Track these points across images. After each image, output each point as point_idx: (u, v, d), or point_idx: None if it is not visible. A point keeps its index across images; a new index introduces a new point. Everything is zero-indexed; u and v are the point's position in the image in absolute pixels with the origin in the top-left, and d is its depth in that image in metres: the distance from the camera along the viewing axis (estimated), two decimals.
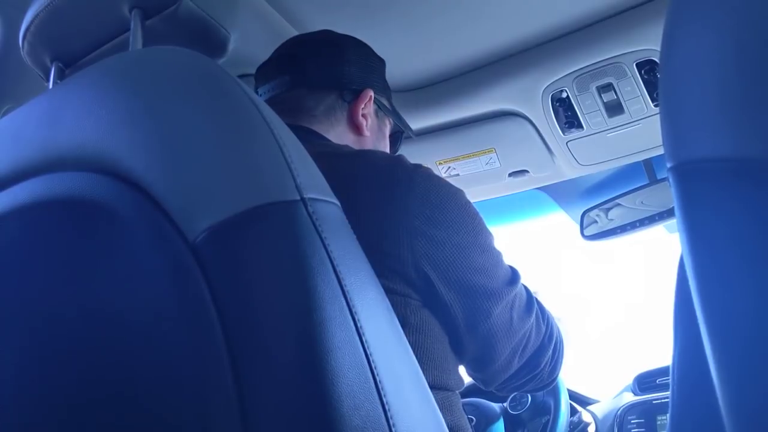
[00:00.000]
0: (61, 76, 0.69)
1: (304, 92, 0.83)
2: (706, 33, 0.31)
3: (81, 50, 0.68)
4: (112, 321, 0.41)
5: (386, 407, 0.37)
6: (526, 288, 0.77)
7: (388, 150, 0.92)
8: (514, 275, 0.74)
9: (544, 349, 0.77)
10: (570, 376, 1.44)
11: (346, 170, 0.65)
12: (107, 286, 0.41)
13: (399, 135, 0.96)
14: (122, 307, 0.40)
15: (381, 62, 0.91)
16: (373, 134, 0.87)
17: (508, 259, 0.75)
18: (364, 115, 0.85)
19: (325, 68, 0.84)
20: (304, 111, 0.83)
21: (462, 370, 0.75)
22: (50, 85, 0.69)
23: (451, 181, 1.36)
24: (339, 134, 0.83)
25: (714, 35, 0.31)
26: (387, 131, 0.91)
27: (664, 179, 1.32)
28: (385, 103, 0.90)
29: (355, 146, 0.84)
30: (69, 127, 0.47)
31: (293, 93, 0.83)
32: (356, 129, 0.85)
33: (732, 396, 0.30)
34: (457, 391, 0.70)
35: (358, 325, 0.38)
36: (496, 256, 0.72)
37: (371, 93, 0.85)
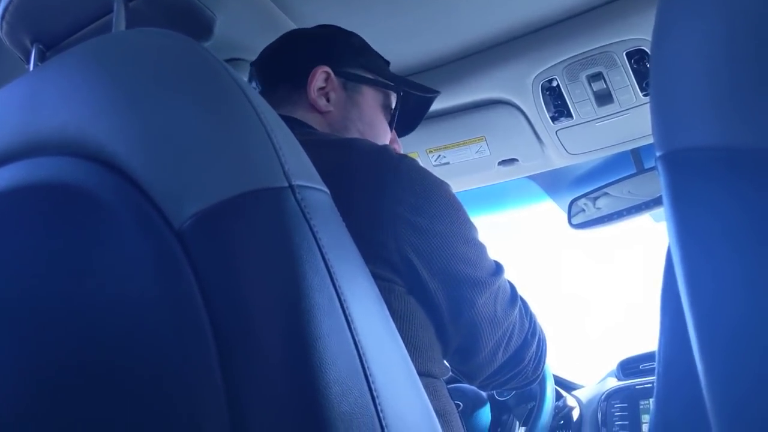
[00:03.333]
0: (41, 58, 0.68)
1: (261, 93, 0.85)
2: (697, 22, 0.31)
3: (62, 32, 0.66)
4: (95, 308, 0.40)
5: (374, 393, 0.37)
6: (509, 282, 0.78)
7: (372, 117, 0.89)
8: (498, 267, 0.74)
9: (528, 345, 0.77)
10: (555, 363, 1.45)
11: (330, 158, 0.65)
12: (90, 272, 0.41)
13: (396, 100, 0.92)
14: (106, 294, 0.39)
15: (340, 34, 0.90)
16: (339, 108, 0.86)
17: (493, 254, 0.75)
18: (326, 93, 0.85)
19: (273, 64, 0.89)
20: None
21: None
22: (31, 68, 0.68)
23: (441, 169, 1.37)
24: (305, 117, 0.84)
25: (705, 25, 0.31)
26: (365, 100, 0.88)
27: (651, 169, 1.33)
28: (359, 72, 0.88)
29: (324, 124, 0.85)
30: (50, 110, 0.46)
31: None
32: (315, 108, 0.85)
33: (716, 384, 0.30)
34: (442, 379, 0.71)
35: (347, 312, 0.38)
36: (480, 247, 0.73)
37: (323, 69, 0.85)
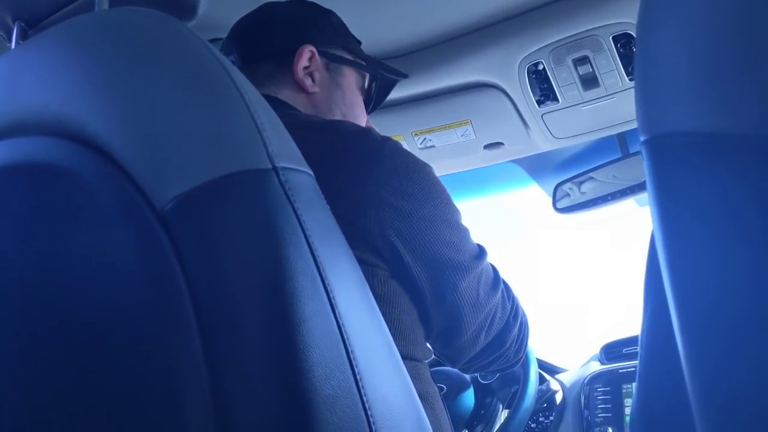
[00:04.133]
0: (23, 36, 0.67)
1: (243, 70, 0.83)
2: (681, 8, 0.32)
3: (45, 10, 0.65)
4: (77, 290, 0.40)
5: (357, 376, 0.37)
6: (492, 266, 0.78)
7: (354, 99, 0.89)
8: (480, 251, 0.75)
9: (510, 328, 0.78)
10: (538, 346, 1.47)
11: (313, 141, 0.64)
12: (72, 253, 0.40)
13: (373, 83, 0.93)
14: (88, 275, 0.39)
15: (324, 14, 0.89)
16: (323, 89, 0.85)
17: (475, 237, 0.76)
18: (310, 73, 0.84)
19: (254, 40, 0.85)
20: None
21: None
22: (12, 46, 0.66)
23: (426, 152, 1.37)
24: (288, 97, 0.82)
25: (688, 10, 0.31)
26: (347, 81, 0.88)
27: (636, 153, 1.34)
28: (340, 53, 0.87)
29: (308, 105, 0.84)
30: (31, 89, 0.45)
31: None
32: (300, 88, 0.83)
33: (697, 369, 0.31)
34: (425, 362, 0.71)
35: (331, 296, 0.38)
36: (463, 231, 0.73)
37: (309, 48, 0.83)
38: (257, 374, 0.35)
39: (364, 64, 0.90)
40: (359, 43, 0.93)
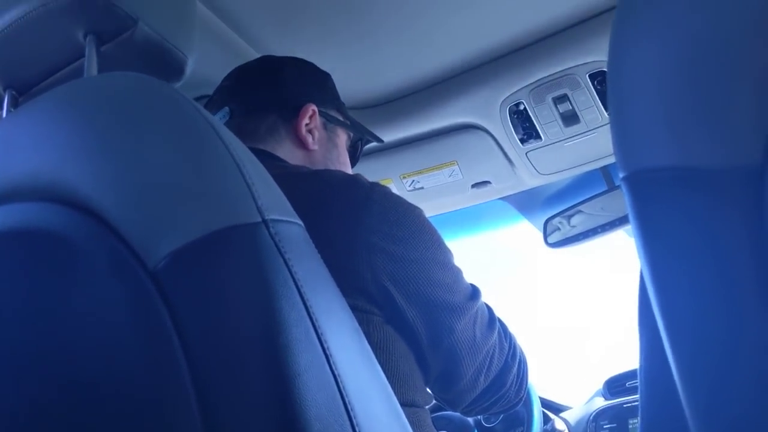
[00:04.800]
0: (14, 104, 0.68)
1: (245, 118, 0.85)
2: (650, 45, 0.32)
3: (35, 77, 0.66)
4: (71, 352, 0.39)
5: (356, 429, 0.37)
6: (487, 306, 0.77)
7: (345, 158, 0.92)
8: (474, 291, 0.74)
9: (509, 368, 0.77)
10: (541, 384, 1.45)
11: (303, 191, 0.65)
12: (66, 316, 0.40)
13: (359, 143, 0.97)
14: (82, 339, 0.39)
15: (323, 75, 0.92)
16: (322, 147, 0.87)
17: (469, 278, 0.75)
18: (310, 130, 0.86)
19: (261, 92, 0.86)
20: (248, 134, 0.83)
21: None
22: (3, 114, 0.68)
23: (415, 194, 1.38)
24: (287, 152, 0.84)
25: (657, 48, 0.32)
26: (340, 141, 0.91)
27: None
28: (334, 114, 0.90)
29: (306, 161, 0.85)
30: (23, 156, 0.46)
31: (234, 121, 0.85)
32: (302, 144, 0.85)
33: (695, 399, 0.31)
34: (425, 407, 0.70)
35: (325, 346, 0.38)
36: (456, 272, 0.73)
37: (312, 107, 0.86)
38: (254, 430, 0.34)
39: (350, 125, 0.93)
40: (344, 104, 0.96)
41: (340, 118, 0.91)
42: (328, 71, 0.93)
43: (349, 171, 0.92)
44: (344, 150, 0.92)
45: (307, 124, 0.85)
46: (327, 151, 0.88)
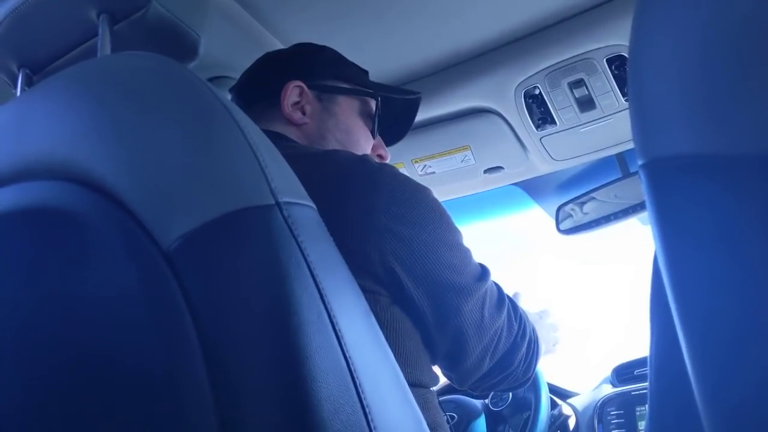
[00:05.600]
0: (29, 82, 0.68)
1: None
2: (672, 31, 0.32)
3: (49, 56, 0.66)
4: (85, 332, 0.40)
5: (366, 410, 0.37)
6: (497, 285, 0.77)
7: (350, 125, 0.89)
8: (483, 272, 0.74)
9: (517, 348, 0.77)
10: (549, 370, 1.45)
11: (311, 171, 0.65)
12: (80, 296, 0.41)
13: (375, 105, 0.92)
14: (96, 318, 0.39)
15: (314, 49, 0.92)
16: (315, 119, 0.87)
17: (478, 257, 0.75)
18: (301, 107, 0.86)
19: (248, 87, 0.90)
20: None
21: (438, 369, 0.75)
22: (18, 93, 0.68)
23: (427, 178, 1.38)
24: (280, 130, 0.85)
25: (679, 33, 0.32)
26: (341, 109, 0.89)
27: (636, 172, 1.34)
28: (332, 82, 0.89)
29: (300, 136, 0.86)
30: (37, 135, 0.46)
31: None
32: (290, 121, 0.86)
33: (707, 387, 0.31)
34: (432, 388, 0.70)
35: (337, 328, 0.38)
36: (465, 252, 0.72)
37: (294, 84, 0.86)
38: (266, 411, 0.35)
39: (363, 89, 0.91)
40: (365, 72, 0.94)
41: (342, 86, 0.90)
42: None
43: (360, 137, 0.90)
44: (348, 116, 0.90)
45: (297, 102, 0.86)
46: (322, 122, 0.87)
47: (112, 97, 0.44)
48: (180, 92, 0.43)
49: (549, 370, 1.42)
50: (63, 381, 0.40)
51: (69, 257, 0.41)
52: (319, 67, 0.90)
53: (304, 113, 0.86)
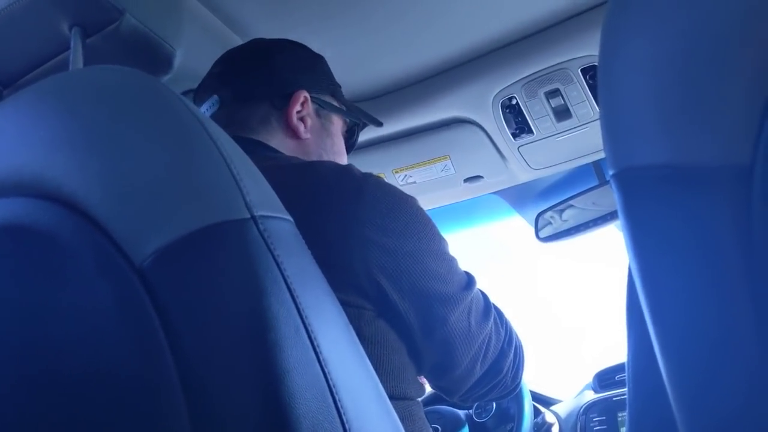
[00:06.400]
0: None
1: (236, 107, 0.83)
2: (641, 42, 0.32)
3: (19, 70, 0.65)
4: (58, 350, 0.39)
5: (346, 425, 0.37)
6: (482, 293, 0.77)
7: (340, 147, 0.90)
8: (469, 280, 0.73)
9: (505, 355, 0.76)
10: (531, 377, 1.46)
11: (294, 182, 0.64)
12: (52, 313, 0.40)
13: (355, 128, 0.94)
14: (67, 337, 0.38)
15: (316, 58, 0.90)
16: (315, 135, 0.85)
17: (463, 265, 0.75)
18: (302, 118, 0.83)
19: (251, 79, 0.84)
20: (238, 124, 0.82)
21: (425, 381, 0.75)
22: None
23: (407, 188, 1.38)
24: (279, 142, 0.82)
25: (648, 45, 0.32)
26: (335, 129, 0.89)
27: None
28: (329, 99, 0.88)
29: (298, 151, 0.83)
30: (6, 150, 0.45)
31: (226, 110, 0.83)
32: (294, 134, 0.83)
33: (682, 395, 0.31)
34: (418, 399, 0.70)
35: (315, 343, 0.38)
36: (450, 261, 0.72)
37: (304, 94, 0.84)
38: (242, 428, 0.34)
39: (346, 110, 0.91)
40: (339, 87, 0.93)
41: (335, 104, 0.89)
42: None
43: (344, 160, 0.89)
44: (339, 138, 0.90)
45: (299, 112, 0.83)
46: (320, 140, 0.86)
47: (84, 112, 0.43)
48: (152, 106, 0.43)
49: (533, 374, 1.43)
50: (35, 401, 0.39)
51: (40, 275, 0.40)
52: (321, 80, 0.88)
53: (305, 126, 0.84)
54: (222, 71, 0.86)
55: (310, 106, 0.85)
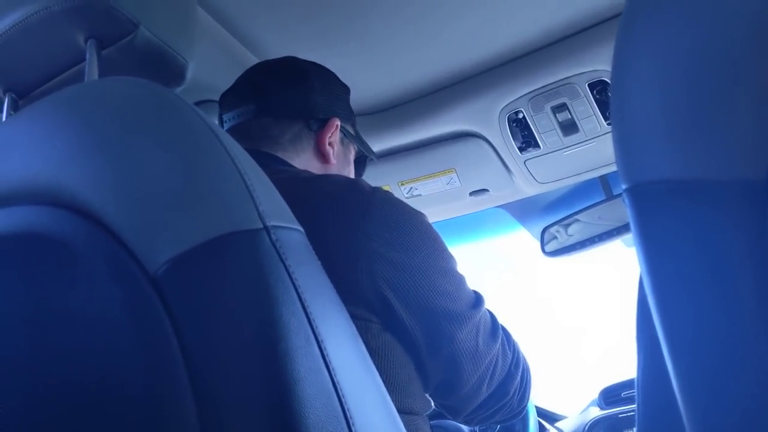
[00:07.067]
0: (14, 107, 0.68)
1: (269, 121, 0.84)
2: (653, 59, 0.33)
3: (35, 81, 0.66)
4: (70, 358, 0.39)
5: None
6: (490, 313, 0.76)
7: (352, 175, 0.92)
8: (477, 299, 0.73)
9: (512, 377, 0.76)
10: (537, 393, 1.45)
11: (303, 195, 0.64)
12: (66, 321, 0.40)
13: (363, 159, 0.97)
14: (81, 344, 0.39)
15: (345, 89, 0.92)
16: (339, 161, 0.88)
17: (472, 284, 0.74)
18: (330, 144, 0.86)
19: (290, 97, 0.85)
20: (269, 138, 0.83)
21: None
22: (3, 117, 0.67)
23: (413, 201, 1.39)
24: (305, 162, 0.84)
25: (660, 61, 0.32)
26: (352, 157, 0.92)
27: (620, 195, 1.36)
28: (350, 129, 0.91)
29: (320, 173, 0.84)
30: (23, 159, 0.45)
31: (259, 121, 0.84)
32: (323, 157, 0.85)
33: (695, 412, 0.31)
34: (424, 415, 0.69)
35: (325, 353, 0.38)
36: (459, 279, 0.71)
37: (338, 122, 0.86)
38: None
39: (362, 140, 0.94)
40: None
41: (354, 134, 0.92)
42: None
43: None
44: (352, 166, 0.93)
45: (329, 138, 0.85)
46: (342, 166, 0.89)
47: (99, 122, 0.44)
48: (167, 117, 0.43)
49: (538, 387, 1.42)
50: (46, 407, 0.39)
51: (54, 283, 0.41)
52: (348, 111, 0.91)
53: (333, 152, 0.86)
54: (259, 82, 0.87)
55: (338, 134, 0.87)
